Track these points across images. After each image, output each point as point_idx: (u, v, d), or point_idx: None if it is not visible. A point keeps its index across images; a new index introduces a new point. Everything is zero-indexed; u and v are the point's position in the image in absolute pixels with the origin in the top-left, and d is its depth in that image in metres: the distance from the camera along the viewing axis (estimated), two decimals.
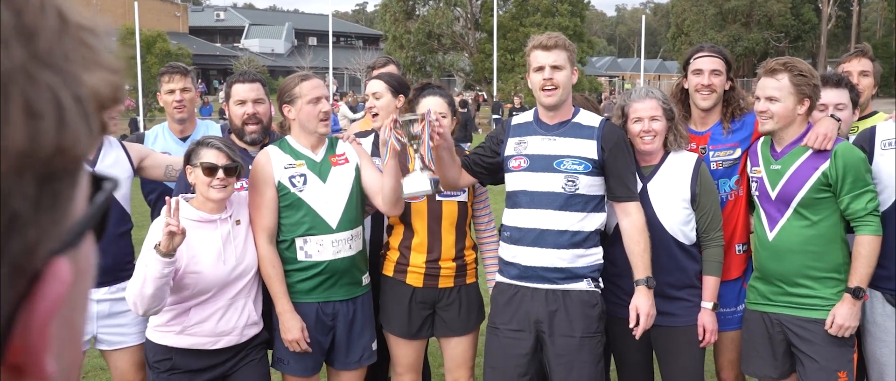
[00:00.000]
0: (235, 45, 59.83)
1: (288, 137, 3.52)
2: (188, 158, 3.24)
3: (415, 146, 3.20)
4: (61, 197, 0.43)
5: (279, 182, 3.38)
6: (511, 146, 3.45)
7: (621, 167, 3.34)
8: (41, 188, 0.41)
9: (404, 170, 3.39)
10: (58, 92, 0.40)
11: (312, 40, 62.91)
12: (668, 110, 3.46)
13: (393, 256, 3.64)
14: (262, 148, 3.68)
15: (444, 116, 3.54)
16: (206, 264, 3.19)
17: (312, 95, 3.41)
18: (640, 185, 3.45)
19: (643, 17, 41.75)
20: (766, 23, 44.29)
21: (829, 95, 3.61)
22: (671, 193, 3.44)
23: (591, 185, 3.33)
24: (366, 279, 3.58)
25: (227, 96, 3.80)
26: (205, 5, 78.82)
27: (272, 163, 3.40)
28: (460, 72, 43.96)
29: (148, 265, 2.99)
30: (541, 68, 3.32)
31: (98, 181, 0.47)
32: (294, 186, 3.40)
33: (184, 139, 4.28)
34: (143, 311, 3.09)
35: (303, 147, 3.47)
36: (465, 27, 42.50)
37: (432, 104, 3.54)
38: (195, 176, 3.20)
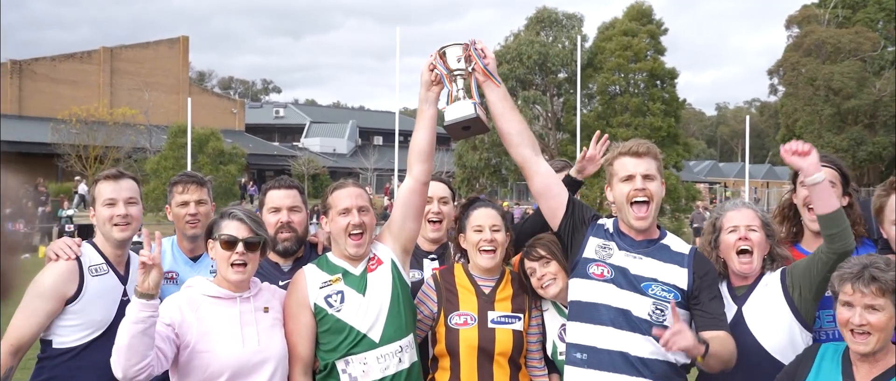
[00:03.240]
0: (295, 143, 61.53)
1: (329, 252, 3.45)
2: (209, 232, 3.24)
3: (456, 76, 3.37)
4: None
5: (315, 304, 3.27)
6: (593, 247, 3.27)
7: (714, 301, 3.26)
8: None
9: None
10: None
11: (378, 139, 64.24)
12: (766, 225, 3.35)
13: None
14: (296, 261, 3.65)
15: (497, 230, 3.45)
16: (219, 341, 3.08)
17: (342, 205, 3.36)
18: (735, 308, 3.39)
19: (748, 117, 41.01)
20: (893, 124, 42.81)
21: None
22: (771, 312, 3.35)
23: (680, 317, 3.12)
24: None
25: (261, 204, 3.77)
26: (263, 102, 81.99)
27: (307, 283, 3.31)
28: None
29: (127, 311, 2.91)
30: (630, 177, 3.23)
31: None
32: (331, 306, 3.27)
33: (195, 259, 4.01)
34: (122, 371, 2.90)
35: (340, 260, 3.37)
36: (545, 127, 42.46)
37: (483, 217, 3.50)
38: (215, 251, 3.16)
